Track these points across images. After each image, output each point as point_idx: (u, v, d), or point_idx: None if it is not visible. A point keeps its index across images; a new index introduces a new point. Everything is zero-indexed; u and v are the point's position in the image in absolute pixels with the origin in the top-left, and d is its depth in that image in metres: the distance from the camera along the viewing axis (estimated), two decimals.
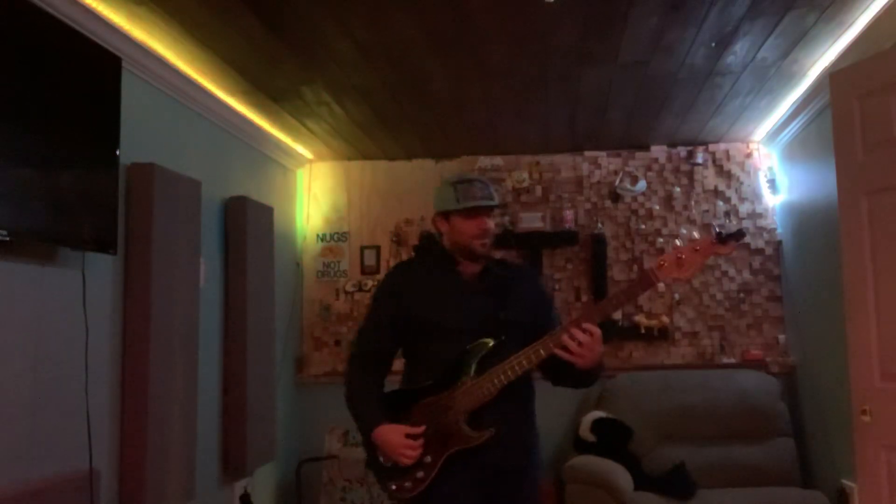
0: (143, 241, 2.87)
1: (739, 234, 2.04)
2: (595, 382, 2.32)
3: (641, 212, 4.77)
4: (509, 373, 2.11)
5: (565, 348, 2.07)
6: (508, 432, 2.17)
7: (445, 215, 2.31)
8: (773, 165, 4.64)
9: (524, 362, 2.11)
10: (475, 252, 2.27)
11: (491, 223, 2.29)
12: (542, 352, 2.10)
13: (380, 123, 4.17)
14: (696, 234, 2.08)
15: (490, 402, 2.13)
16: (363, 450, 2.34)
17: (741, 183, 4.70)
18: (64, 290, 2.51)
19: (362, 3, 2.71)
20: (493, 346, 2.17)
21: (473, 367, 2.16)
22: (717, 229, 2.04)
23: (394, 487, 2.21)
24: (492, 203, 2.27)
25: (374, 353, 2.34)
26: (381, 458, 2.22)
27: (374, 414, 2.24)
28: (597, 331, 2.09)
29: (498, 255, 2.42)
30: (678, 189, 4.75)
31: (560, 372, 2.20)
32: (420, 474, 2.17)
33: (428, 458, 2.17)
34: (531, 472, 2.29)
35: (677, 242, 2.08)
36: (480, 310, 2.23)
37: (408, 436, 2.16)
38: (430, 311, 2.25)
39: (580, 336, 2.07)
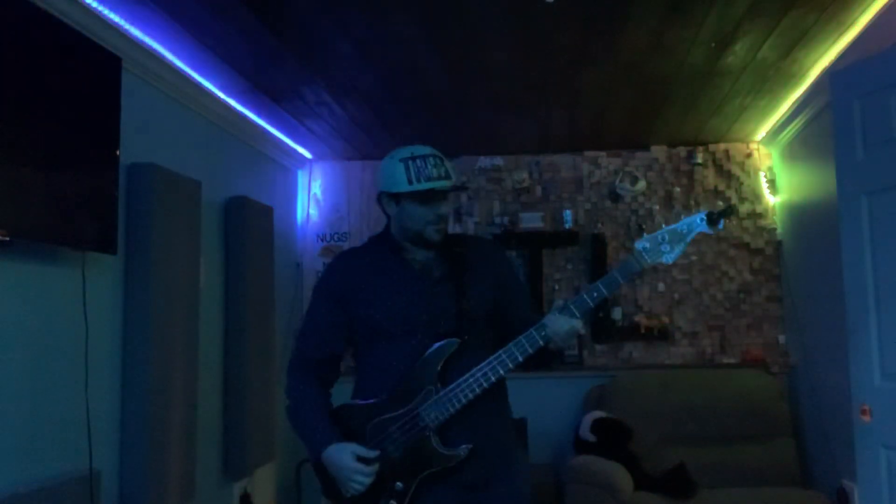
0: (143, 241, 2.87)
1: (730, 210, 1.94)
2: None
3: (641, 212, 4.77)
4: (482, 381, 1.87)
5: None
6: (485, 443, 1.92)
7: (395, 197, 1.96)
8: (772, 165, 4.65)
9: (499, 368, 1.87)
10: (428, 240, 1.96)
11: (448, 207, 1.98)
12: (519, 355, 1.87)
13: (380, 123, 4.17)
14: (682, 216, 1.96)
15: (460, 413, 1.88)
16: (316, 477, 2.03)
17: (741, 183, 4.70)
18: (64, 290, 2.51)
19: (362, 3, 2.71)
20: (459, 345, 1.90)
21: (437, 375, 1.89)
22: (708, 211, 1.92)
23: None
24: (449, 184, 1.93)
25: (319, 359, 2.05)
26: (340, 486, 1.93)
27: (321, 432, 1.95)
28: (570, 324, 1.87)
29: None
30: (678, 189, 4.74)
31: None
32: (392, 503, 1.90)
33: (399, 485, 1.90)
34: (516, 476, 2.02)
35: (661, 223, 1.96)
36: (436, 302, 1.94)
37: (360, 459, 1.89)
38: (376, 309, 1.95)
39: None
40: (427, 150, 1.96)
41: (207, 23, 2.83)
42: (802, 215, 4.22)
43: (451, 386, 1.88)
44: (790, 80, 3.60)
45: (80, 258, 2.53)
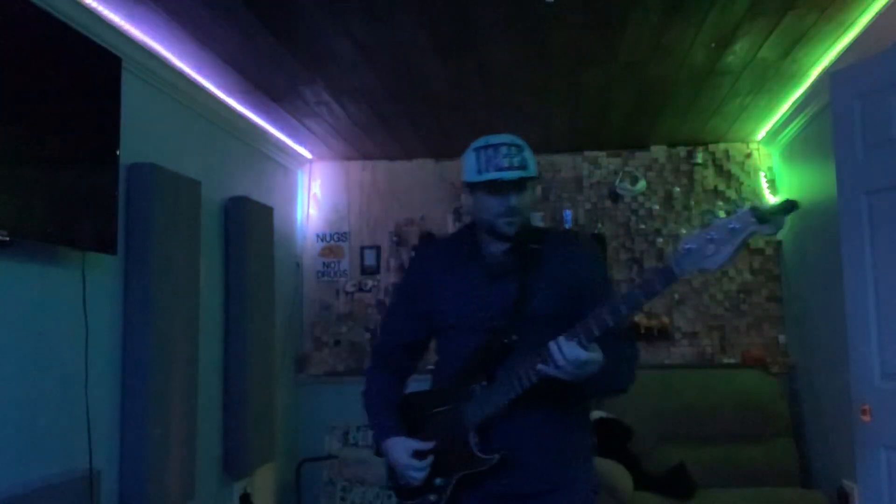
0: (143, 241, 2.87)
1: (787, 206, 1.50)
2: (612, 392, 1.93)
3: (641, 212, 4.77)
4: (517, 387, 1.74)
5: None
6: (529, 451, 1.81)
7: (470, 188, 1.89)
8: (772, 165, 4.65)
9: (532, 375, 1.71)
10: (501, 233, 1.86)
11: (521, 199, 1.84)
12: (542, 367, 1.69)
13: (380, 123, 4.17)
14: (728, 213, 1.57)
15: (506, 415, 1.78)
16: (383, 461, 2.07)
17: (741, 183, 4.70)
18: (64, 290, 2.51)
19: (362, 3, 2.71)
20: (506, 345, 1.80)
21: (483, 373, 1.82)
22: (754, 204, 1.53)
23: None
24: (519, 175, 1.81)
25: (395, 346, 2.07)
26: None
27: (385, 422, 1.98)
28: (575, 354, 1.63)
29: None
30: (678, 189, 4.74)
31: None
32: (432, 498, 1.89)
33: (438, 481, 1.88)
34: (568, 496, 1.85)
35: (713, 221, 1.55)
36: (493, 299, 1.85)
37: (416, 453, 1.89)
38: (442, 301, 1.92)
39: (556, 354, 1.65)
40: (504, 138, 1.86)
41: (207, 23, 2.83)
42: (802, 215, 4.21)
43: (493, 386, 1.80)
44: (790, 80, 3.60)
45: (80, 258, 2.53)
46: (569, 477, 1.86)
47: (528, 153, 1.85)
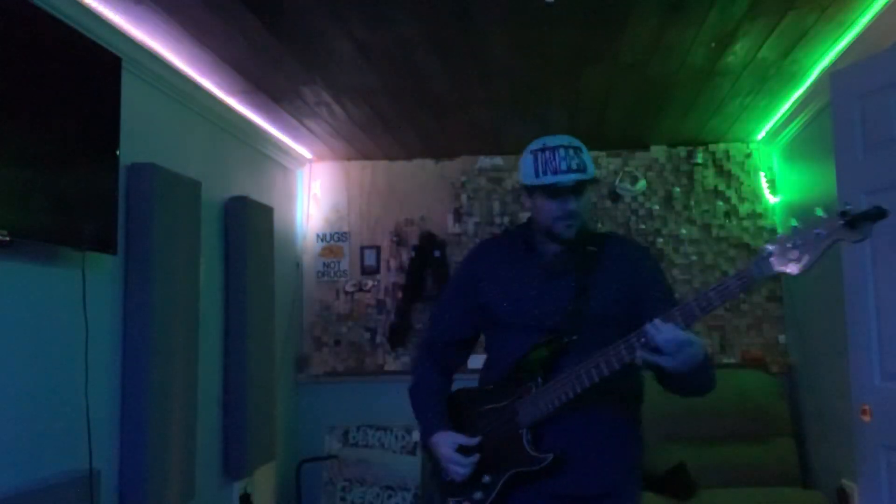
0: (143, 241, 2.87)
1: (876, 213, 1.49)
2: (704, 390, 1.88)
3: (641, 212, 4.77)
4: (576, 386, 1.74)
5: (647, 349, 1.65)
6: (582, 453, 1.80)
7: (528, 190, 1.90)
8: (773, 165, 4.65)
9: (594, 373, 1.72)
10: (558, 236, 1.87)
11: (579, 202, 1.84)
12: (615, 362, 1.70)
13: (380, 123, 4.17)
14: (822, 213, 1.59)
15: (560, 415, 1.78)
16: (426, 456, 2.07)
17: (741, 183, 4.70)
18: (64, 290, 2.51)
19: (362, 3, 2.71)
20: (565, 344, 1.80)
21: (540, 371, 1.82)
22: (843, 209, 1.55)
23: None
24: (577, 178, 1.81)
25: (445, 342, 2.07)
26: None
27: (432, 417, 1.99)
28: (674, 334, 1.62)
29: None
30: (678, 189, 4.74)
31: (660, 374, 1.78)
32: (478, 495, 1.87)
33: (487, 479, 1.87)
34: (619, 500, 1.86)
35: (794, 224, 1.61)
36: (550, 298, 1.86)
37: (461, 448, 1.89)
38: (495, 299, 1.92)
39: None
40: (561, 140, 1.86)
41: (207, 23, 2.83)
42: (802, 215, 4.21)
43: (549, 385, 1.79)
44: (790, 80, 3.60)
45: (80, 258, 2.53)
46: (621, 483, 1.87)
47: (585, 155, 1.85)
